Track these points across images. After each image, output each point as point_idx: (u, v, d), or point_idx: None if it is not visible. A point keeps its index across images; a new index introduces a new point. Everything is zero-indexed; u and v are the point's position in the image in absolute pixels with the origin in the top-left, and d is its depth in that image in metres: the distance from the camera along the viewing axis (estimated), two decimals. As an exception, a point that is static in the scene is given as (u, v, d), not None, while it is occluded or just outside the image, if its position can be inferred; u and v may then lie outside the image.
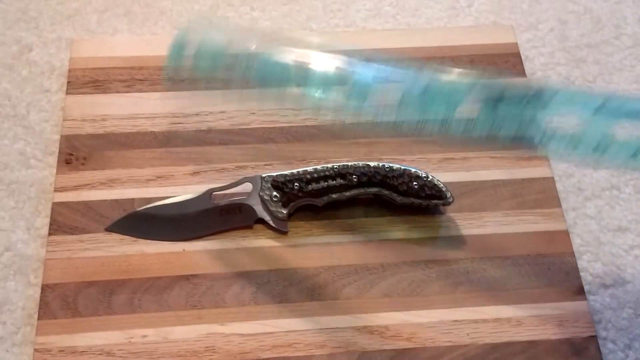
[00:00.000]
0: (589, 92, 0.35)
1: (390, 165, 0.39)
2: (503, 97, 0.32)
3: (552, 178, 0.42)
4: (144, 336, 0.35)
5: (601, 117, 0.32)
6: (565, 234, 0.40)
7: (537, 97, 0.32)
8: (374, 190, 0.39)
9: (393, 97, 0.33)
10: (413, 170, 0.39)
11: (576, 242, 0.40)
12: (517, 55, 0.47)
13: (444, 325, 0.36)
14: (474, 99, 0.32)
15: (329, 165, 0.39)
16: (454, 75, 0.33)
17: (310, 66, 0.34)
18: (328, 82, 0.34)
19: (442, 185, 0.39)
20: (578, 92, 0.34)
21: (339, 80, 0.34)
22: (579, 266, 0.39)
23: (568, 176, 0.43)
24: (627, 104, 0.33)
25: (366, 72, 0.33)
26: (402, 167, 0.39)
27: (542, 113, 0.32)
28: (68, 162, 0.40)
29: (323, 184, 0.38)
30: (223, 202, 0.39)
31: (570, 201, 0.42)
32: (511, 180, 0.42)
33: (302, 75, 0.33)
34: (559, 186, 0.42)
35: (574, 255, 0.39)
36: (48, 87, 0.45)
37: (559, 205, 0.41)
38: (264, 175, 0.39)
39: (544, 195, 0.41)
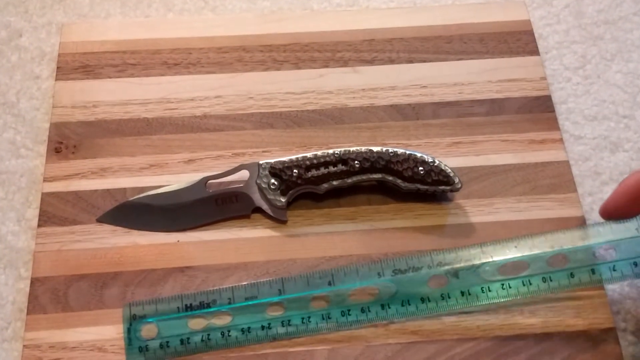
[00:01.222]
0: None
1: (395, 149, 0.37)
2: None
3: (567, 162, 0.40)
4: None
5: None
6: (582, 220, 0.38)
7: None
8: (377, 176, 0.37)
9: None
10: (419, 154, 0.37)
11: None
12: (530, 33, 0.44)
13: (452, 317, 0.34)
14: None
15: (330, 151, 0.37)
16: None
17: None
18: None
19: (449, 170, 0.37)
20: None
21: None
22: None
23: (584, 160, 0.41)
24: None
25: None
26: (407, 152, 0.37)
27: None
28: (58, 151, 0.39)
29: (323, 170, 0.36)
30: (219, 190, 0.37)
31: (587, 186, 0.40)
32: (523, 164, 0.39)
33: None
34: (574, 170, 0.40)
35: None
36: (38, 74, 0.43)
37: (575, 190, 0.39)
38: (261, 162, 0.37)
39: (558, 179, 0.39)
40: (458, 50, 0.43)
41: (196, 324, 0.33)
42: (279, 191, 0.36)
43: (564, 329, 0.34)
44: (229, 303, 0.33)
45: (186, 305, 0.33)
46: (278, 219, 0.37)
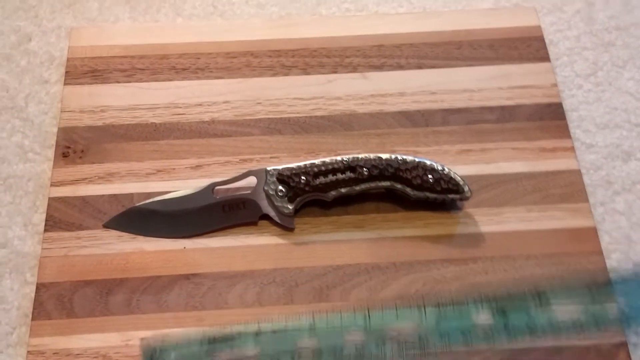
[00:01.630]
0: None
1: (404, 157, 0.36)
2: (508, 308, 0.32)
3: (579, 170, 0.39)
4: (143, 339, 0.34)
5: None
6: (593, 231, 0.37)
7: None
8: (386, 184, 0.36)
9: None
10: (428, 162, 0.36)
11: (604, 239, 0.38)
12: (541, 39, 0.44)
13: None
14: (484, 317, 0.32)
15: (338, 158, 0.36)
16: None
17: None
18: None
19: (459, 178, 0.36)
20: None
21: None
22: (608, 266, 0.36)
23: (596, 169, 0.41)
24: None
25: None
26: (416, 159, 0.36)
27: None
28: (65, 156, 0.39)
29: (332, 177, 0.36)
30: (226, 197, 0.37)
31: (599, 195, 0.39)
32: (534, 172, 0.39)
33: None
34: (585, 179, 0.39)
35: (602, 254, 0.36)
36: (47, 78, 0.43)
37: (586, 200, 0.38)
38: (269, 169, 0.36)
39: (570, 189, 0.38)
40: (468, 56, 0.43)
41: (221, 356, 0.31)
42: (286, 198, 0.36)
43: (575, 342, 0.33)
44: (257, 335, 0.31)
45: (209, 338, 0.31)
46: (285, 227, 0.36)
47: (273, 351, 0.31)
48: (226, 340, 0.31)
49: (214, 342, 0.30)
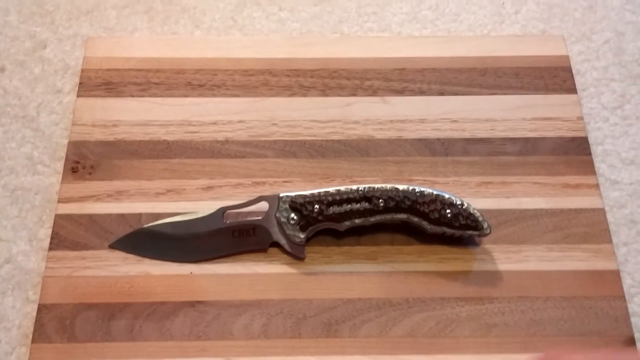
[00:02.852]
0: None
1: (421, 189, 0.35)
2: None
3: (603, 210, 0.38)
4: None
5: None
6: (616, 274, 0.36)
7: None
8: (401, 216, 0.35)
9: None
10: (447, 196, 0.35)
11: (627, 282, 0.36)
12: (568, 69, 0.42)
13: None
14: None
15: (354, 187, 0.35)
16: None
17: None
18: None
19: (478, 214, 0.35)
20: None
21: None
22: (630, 311, 0.35)
23: (620, 206, 0.39)
24: None
25: None
26: (435, 192, 0.35)
27: None
28: (74, 171, 0.38)
29: (346, 207, 0.35)
30: (236, 222, 0.35)
31: (622, 235, 0.38)
32: (556, 210, 0.37)
33: None
34: (609, 217, 0.38)
35: (625, 299, 0.35)
36: (60, 88, 0.42)
37: (610, 241, 0.37)
38: (281, 195, 0.35)
39: (592, 228, 0.37)
40: (492, 84, 0.41)
41: None
42: (298, 226, 0.35)
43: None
44: None
45: None
46: (296, 256, 0.35)
47: None
48: None
49: None
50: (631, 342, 0.34)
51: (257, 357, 0.33)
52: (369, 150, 0.39)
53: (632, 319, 0.34)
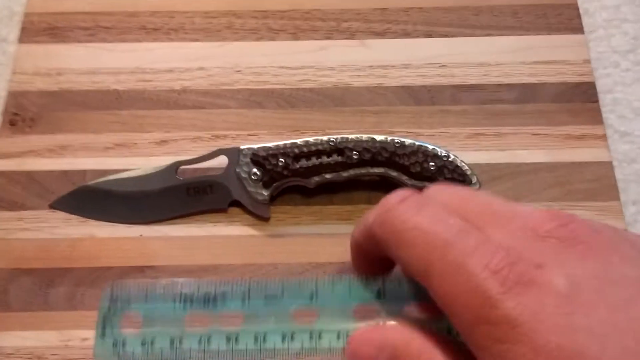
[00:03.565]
0: None
1: (402, 140, 0.31)
2: None
3: (611, 163, 0.33)
4: (84, 339, 0.29)
5: None
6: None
7: None
8: (378, 170, 0.31)
9: None
10: (430, 147, 0.31)
11: (637, 245, 0.32)
12: (574, 8, 0.37)
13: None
14: None
15: (324, 138, 0.31)
16: None
17: None
18: None
19: (466, 167, 0.31)
20: None
21: None
22: None
23: (630, 161, 0.34)
24: None
25: None
26: (417, 143, 0.31)
27: None
28: (12, 124, 0.34)
29: (315, 160, 0.31)
30: (191, 178, 0.31)
31: (631, 193, 0.33)
32: (557, 163, 0.33)
33: None
34: (617, 173, 0.34)
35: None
36: (5, 36, 0.38)
37: (617, 198, 0.32)
38: (242, 148, 0.31)
39: (598, 184, 0.33)
40: (486, 25, 0.37)
41: (195, 322, 0.25)
42: (261, 183, 0.31)
43: None
44: (242, 299, 0.25)
45: (185, 295, 0.25)
46: (259, 216, 0.31)
47: (261, 325, 0.25)
48: (206, 301, 0.25)
49: (191, 302, 0.25)
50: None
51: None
52: (345, 100, 0.35)
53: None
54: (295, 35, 0.36)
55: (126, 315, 0.25)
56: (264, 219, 0.31)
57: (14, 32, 0.38)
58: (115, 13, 0.37)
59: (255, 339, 0.25)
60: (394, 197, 0.23)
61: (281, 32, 0.37)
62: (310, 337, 0.24)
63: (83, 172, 0.33)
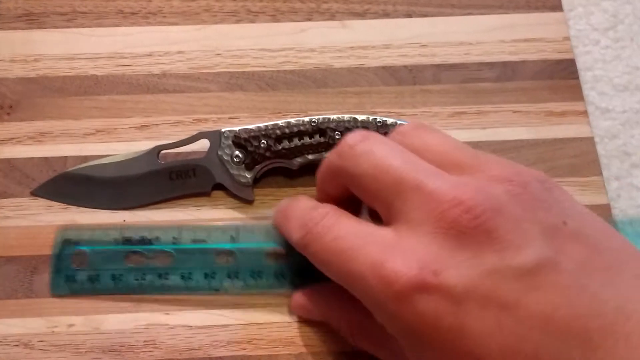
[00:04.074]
0: None
1: (383, 119, 0.31)
2: None
3: (592, 139, 0.34)
4: (71, 325, 0.29)
5: None
6: (607, 208, 0.32)
7: None
8: (360, 150, 0.31)
9: None
10: (411, 125, 0.31)
11: (619, 219, 0.32)
12: (553, -15, 0.38)
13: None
14: None
15: (306, 119, 0.31)
16: None
17: None
18: None
19: (447, 144, 0.31)
20: None
21: None
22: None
23: (612, 137, 0.35)
24: None
25: None
26: (398, 122, 0.31)
27: None
28: (-9, 112, 0.33)
29: (297, 142, 0.31)
30: (173, 162, 0.31)
31: (613, 168, 0.34)
32: (539, 140, 0.33)
33: None
34: (599, 149, 0.34)
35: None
36: (-19, 23, 0.38)
37: (600, 173, 0.33)
38: (223, 130, 0.31)
39: (580, 159, 0.33)
40: (466, 4, 0.37)
41: (133, 261, 0.29)
42: (243, 165, 0.31)
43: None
44: (173, 243, 0.29)
45: (125, 238, 0.29)
46: (243, 198, 0.31)
47: (187, 264, 0.29)
48: (142, 243, 0.29)
49: (130, 244, 0.29)
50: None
51: (199, 310, 0.29)
52: (326, 81, 0.35)
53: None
54: (275, 18, 0.36)
55: (75, 254, 0.29)
56: (247, 201, 0.31)
57: (-10, 20, 0.38)
58: (93, -3, 0.36)
59: (182, 276, 0.29)
60: (356, 136, 0.25)
61: (260, 14, 0.36)
62: (229, 276, 0.29)
63: (64, 159, 0.32)
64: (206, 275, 0.29)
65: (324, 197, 0.27)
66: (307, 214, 0.25)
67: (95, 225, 0.30)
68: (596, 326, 0.19)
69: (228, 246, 0.29)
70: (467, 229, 0.21)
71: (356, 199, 0.25)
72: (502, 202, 0.21)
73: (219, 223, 0.30)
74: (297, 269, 0.26)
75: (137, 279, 0.29)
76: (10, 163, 0.32)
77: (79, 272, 0.29)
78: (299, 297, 0.28)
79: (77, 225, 0.30)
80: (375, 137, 0.25)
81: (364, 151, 0.24)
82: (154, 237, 0.29)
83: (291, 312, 0.29)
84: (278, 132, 0.31)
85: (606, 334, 0.19)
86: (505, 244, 0.20)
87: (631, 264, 0.21)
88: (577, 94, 0.35)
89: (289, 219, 0.26)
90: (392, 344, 0.23)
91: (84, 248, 0.29)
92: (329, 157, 0.26)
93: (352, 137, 0.25)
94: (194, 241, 0.29)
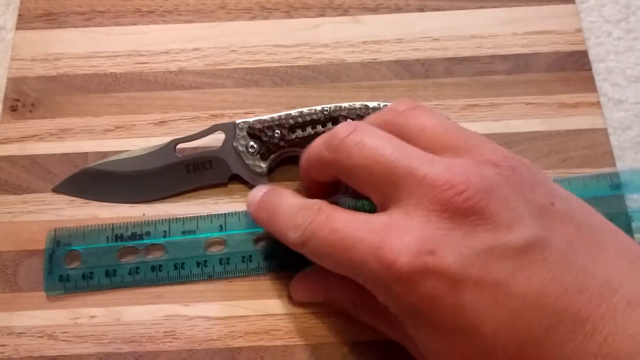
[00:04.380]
0: None
1: (396, 109, 0.31)
2: None
3: (605, 130, 0.34)
4: (92, 317, 0.29)
5: None
6: (621, 198, 0.32)
7: None
8: (374, 141, 0.31)
9: None
10: (425, 116, 0.31)
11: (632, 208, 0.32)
12: (564, -22, 0.38)
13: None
14: None
15: (318, 108, 0.31)
16: None
17: None
18: None
19: (460, 134, 0.31)
20: None
21: None
22: (636, 239, 0.31)
23: (625, 128, 0.35)
24: None
25: None
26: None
27: None
28: (14, 109, 0.34)
29: (310, 130, 0.31)
30: (190, 155, 0.32)
31: (627, 159, 0.34)
32: (552, 132, 0.33)
33: None
34: (612, 140, 0.34)
35: (632, 230, 0.31)
36: (2, 24, 0.38)
37: (613, 164, 0.33)
38: (238, 122, 0.32)
39: (593, 151, 0.33)
40: (478, -2, 0.37)
41: (126, 256, 0.30)
42: (258, 155, 0.31)
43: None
44: (164, 236, 0.30)
45: (116, 235, 0.30)
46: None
47: (179, 255, 0.30)
48: (133, 238, 0.30)
49: (122, 240, 0.30)
50: None
51: (217, 302, 0.30)
52: (340, 76, 0.35)
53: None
54: (288, 14, 0.37)
55: (68, 254, 0.30)
56: (263, 193, 0.32)
57: (11, 20, 0.38)
58: (111, -3, 0.37)
59: (175, 266, 0.30)
60: (345, 127, 0.25)
61: (274, 11, 0.37)
62: (220, 262, 0.30)
63: (84, 155, 0.33)
64: (198, 264, 0.30)
65: (310, 183, 0.27)
66: (298, 214, 0.25)
67: (85, 226, 0.30)
68: (584, 299, 0.20)
69: (217, 235, 0.30)
70: (460, 210, 0.21)
71: (341, 181, 0.26)
72: (493, 184, 0.22)
73: (207, 214, 0.31)
74: (286, 249, 0.27)
75: (131, 273, 0.30)
76: (32, 159, 0.33)
77: (72, 271, 0.30)
78: (297, 282, 0.29)
79: (67, 228, 0.30)
80: (363, 127, 0.25)
81: (354, 143, 0.24)
82: (145, 232, 0.30)
83: (291, 297, 0.29)
84: (291, 121, 0.31)
85: (593, 308, 0.20)
86: (497, 223, 0.21)
87: (613, 241, 0.22)
88: (589, 85, 0.35)
89: (276, 217, 0.26)
90: (393, 318, 0.23)
91: (76, 248, 0.30)
92: (316, 148, 0.26)
93: (341, 129, 0.25)
94: (184, 233, 0.30)
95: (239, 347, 0.29)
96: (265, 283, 0.30)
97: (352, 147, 0.24)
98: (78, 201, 0.32)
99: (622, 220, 0.31)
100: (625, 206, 0.31)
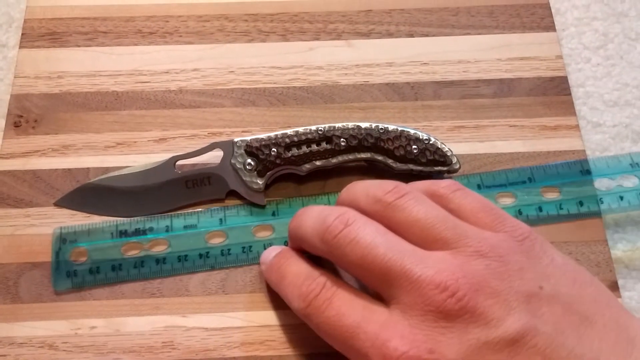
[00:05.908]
0: None
1: (385, 125, 0.33)
2: None
3: (584, 151, 0.36)
4: (93, 327, 0.30)
5: None
6: (598, 217, 0.33)
7: None
8: (365, 155, 0.33)
9: None
10: (412, 131, 0.33)
11: (610, 227, 0.34)
12: (546, 7, 0.40)
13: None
14: None
15: (313, 128, 0.33)
16: None
17: None
18: None
19: (446, 148, 0.33)
20: None
21: None
22: (613, 256, 0.33)
23: (603, 150, 0.37)
24: None
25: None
26: (399, 128, 0.33)
27: None
28: (17, 125, 0.35)
29: (305, 149, 0.33)
30: (189, 171, 0.33)
31: (605, 180, 0.36)
32: (534, 153, 0.35)
33: None
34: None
35: (607, 244, 0.33)
36: (5, 42, 0.40)
37: (591, 184, 0.34)
38: (236, 140, 0.33)
39: (573, 171, 0.35)
40: (465, 24, 0.39)
41: (131, 251, 0.31)
42: (255, 172, 0.33)
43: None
44: (167, 231, 0.32)
45: (120, 231, 0.31)
46: (255, 204, 0.33)
47: (182, 248, 0.31)
48: (137, 234, 0.31)
49: (126, 236, 0.31)
50: (614, 287, 0.32)
51: (214, 313, 0.31)
52: (333, 97, 0.37)
53: (615, 265, 0.32)
54: (284, 37, 0.38)
55: (74, 251, 0.31)
56: (260, 206, 0.33)
57: (13, 38, 0.40)
58: (112, 18, 0.38)
59: (179, 259, 0.31)
60: (338, 220, 0.26)
61: (271, 34, 0.38)
62: (222, 253, 0.31)
63: (86, 170, 0.34)
64: (201, 256, 0.31)
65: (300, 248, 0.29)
66: (304, 284, 0.27)
67: (89, 223, 0.32)
68: None
69: (218, 228, 0.32)
70: (454, 311, 0.23)
71: None
72: (481, 280, 0.24)
73: (206, 209, 0.32)
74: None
75: (136, 267, 0.31)
76: (35, 174, 0.34)
77: (79, 266, 0.31)
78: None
79: (73, 225, 0.32)
80: (356, 219, 0.26)
81: (348, 241, 0.25)
82: (148, 228, 0.32)
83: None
84: (287, 140, 0.33)
85: None
86: (488, 319, 0.23)
87: (601, 314, 0.24)
88: (569, 109, 0.37)
89: (284, 282, 0.28)
90: None
91: (82, 244, 0.31)
92: (308, 236, 0.27)
93: (334, 223, 0.26)
94: (186, 227, 0.32)
95: (234, 357, 0.30)
96: (261, 295, 0.31)
97: (346, 245, 0.25)
98: (79, 215, 0.33)
99: (592, 201, 0.33)
100: (594, 189, 0.34)
